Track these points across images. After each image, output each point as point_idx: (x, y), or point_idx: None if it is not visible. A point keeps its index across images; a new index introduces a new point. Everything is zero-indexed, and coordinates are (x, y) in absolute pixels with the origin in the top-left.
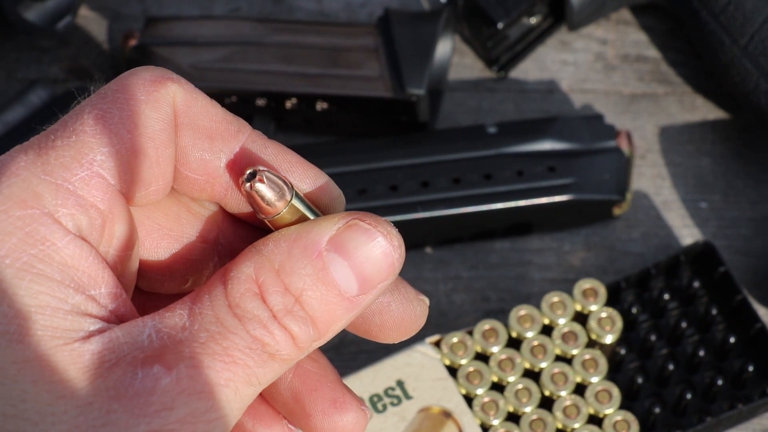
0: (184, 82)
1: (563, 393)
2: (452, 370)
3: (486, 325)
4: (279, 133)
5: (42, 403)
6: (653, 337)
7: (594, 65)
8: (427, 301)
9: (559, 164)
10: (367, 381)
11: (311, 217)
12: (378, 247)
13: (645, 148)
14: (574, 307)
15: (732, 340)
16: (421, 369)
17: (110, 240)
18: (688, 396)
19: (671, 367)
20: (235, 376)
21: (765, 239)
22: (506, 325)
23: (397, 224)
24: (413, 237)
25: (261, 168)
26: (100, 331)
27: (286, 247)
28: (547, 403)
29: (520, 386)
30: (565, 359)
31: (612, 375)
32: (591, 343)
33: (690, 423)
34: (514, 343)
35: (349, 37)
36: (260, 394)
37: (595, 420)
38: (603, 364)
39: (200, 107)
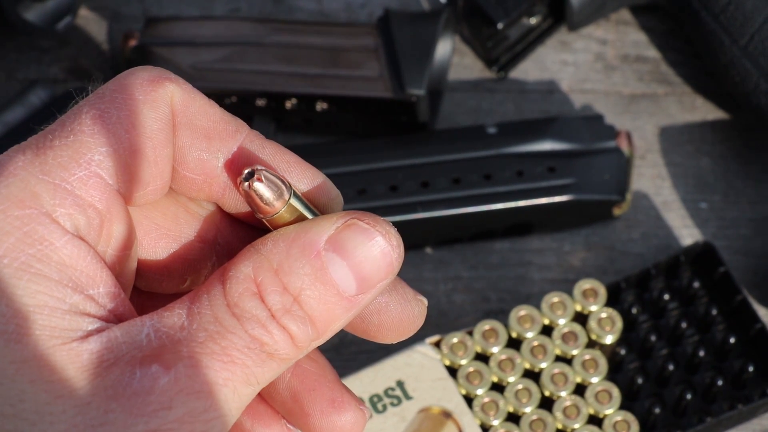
0: (182, 81)
1: (563, 393)
2: (452, 371)
3: (486, 325)
4: (279, 134)
5: (40, 402)
6: (653, 338)
7: (594, 65)
8: (425, 301)
9: (559, 164)
10: (367, 381)
11: (309, 216)
12: (377, 246)
13: (645, 149)
14: (574, 308)
15: (732, 340)
16: (421, 369)
17: (108, 240)
18: (688, 396)
19: (671, 367)
20: (234, 376)
21: (765, 239)
22: (506, 325)
23: (397, 224)
24: (413, 237)
25: (259, 167)
26: (98, 331)
27: (284, 247)
28: (547, 404)
29: (520, 386)
30: (565, 359)
31: (612, 375)
32: (591, 344)
33: (690, 423)
34: (514, 344)
35: (349, 37)
36: (259, 394)
37: (595, 420)
38: (603, 364)
39: (198, 107)
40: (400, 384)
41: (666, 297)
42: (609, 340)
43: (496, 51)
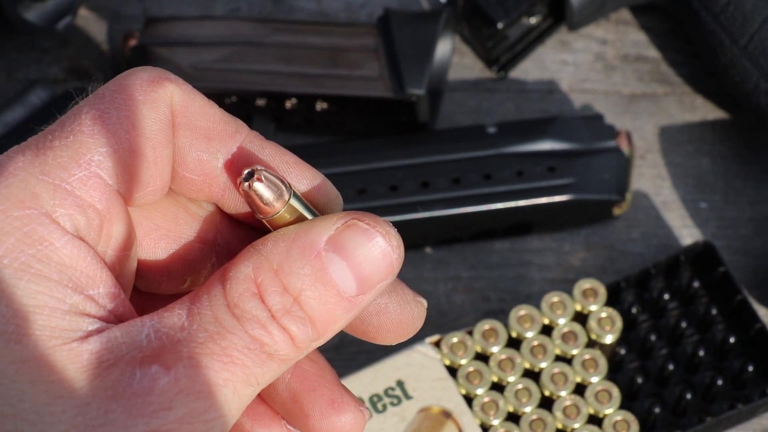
0: (181, 82)
1: (563, 393)
2: (452, 370)
3: (486, 325)
4: (279, 134)
5: (40, 403)
6: (653, 337)
7: (594, 65)
8: (425, 303)
9: (559, 164)
10: (367, 381)
11: (309, 217)
12: (377, 247)
13: (645, 148)
14: (574, 307)
15: (732, 340)
16: (421, 369)
17: (108, 240)
18: (688, 396)
19: (671, 367)
20: (234, 376)
21: (765, 239)
22: (506, 325)
23: (397, 224)
24: (413, 237)
25: (259, 167)
26: (98, 331)
27: (284, 247)
28: (547, 403)
29: (520, 386)
30: (565, 359)
31: (612, 375)
32: (591, 343)
33: (690, 423)
34: (514, 343)
35: (349, 37)
36: (259, 395)
37: (595, 420)
38: (603, 364)
39: (198, 107)
40: (400, 384)
41: (666, 297)
42: (609, 339)
43: (496, 51)
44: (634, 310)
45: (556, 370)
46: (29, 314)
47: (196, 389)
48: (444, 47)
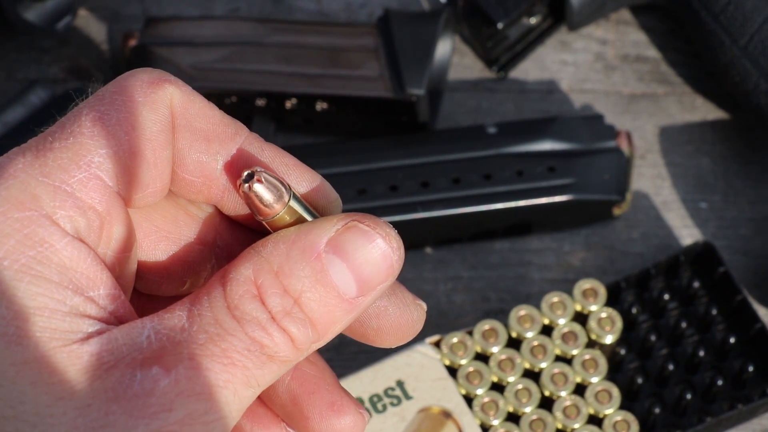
0: (181, 84)
1: (563, 393)
2: (452, 371)
3: (486, 325)
4: (279, 134)
5: (41, 404)
6: (653, 337)
7: (594, 65)
8: (424, 306)
9: (559, 164)
10: (367, 381)
11: (309, 218)
12: (377, 249)
13: (645, 148)
14: (574, 308)
15: (732, 340)
16: (421, 369)
17: (108, 242)
18: (688, 396)
19: (671, 367)
20: (234, 378)
21: (765, 239)
22: (506, 325)
23: (396, 224)
24: (413, 237)
25: (259, 169)
26: (98, 333)
27: (284, 249)
28: (547, 404)
29: (520, 386)
30: (565, 359)
31: (612, 375)
32: (591, 344)
33: (690, 423)
34: (514, 344)
35: (349, 37)
36: (258, 397)
37: (595, 420)
38: (603, 364)
39: (197, 109)
40: (400, 384)
41: (666, 297)
42: (609, 339)
43: (496, 51)
44: (634, 310)
45: (556, 371)
46: (30, 316)
47: (197, 391)
48: (444, 47)
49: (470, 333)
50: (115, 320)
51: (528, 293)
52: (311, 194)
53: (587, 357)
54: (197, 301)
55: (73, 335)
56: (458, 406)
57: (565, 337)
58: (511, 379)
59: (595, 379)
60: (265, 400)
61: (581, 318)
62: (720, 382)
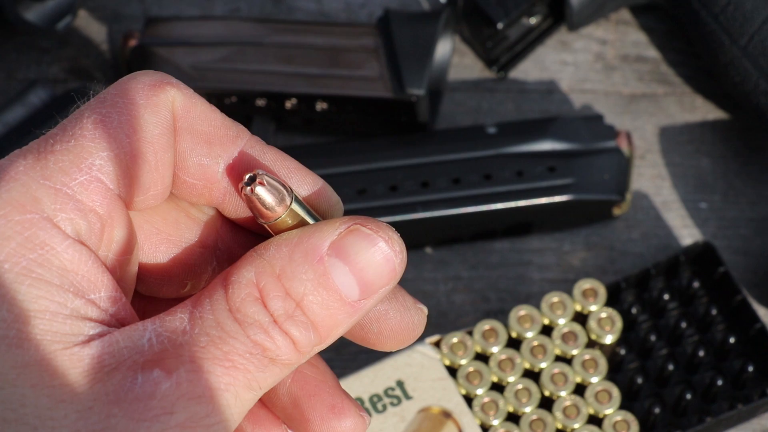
0: (183, 86)
1: (563, 393)
2: (452, 371)
3: (486, 325)
4: (279, 134)
5: (42, 407)
6: (653, 337)
7: (594, 65)
8: (425, 310)
9: (559, 164)
10: (367, 381)
11: (311, 221)
12: (379, 252)
13: (645, 148)
14: (573, 308)
15: (732, 340)
16: (421, 369)
17: (109, 244)
18: (688, 396)
19: (671, 367)
20: (236, 381)
21: (765, 239)
22: (506, 325)
23: (397, 224)
24: (413, 237)
25: (261, 172)
26: (99, 335)
27: (287, 252)
28: (547, 403)
29: (520, 386)
30: (565, 359)
31: (612, 375)
32: (591, 344)
33: (690, 423)
34: (514, 344)
35: (349, 37)
36: (260, 399)
37: (595, 420)
38: (603, 364)
39: (199, 112)
40: (400, 384)
41: (666, 297)
42: (609, 340)
43: (496, 51)
44: (634, 310)
45: (556, 371)
46: (30, 319)
47: (198, 393)
48: (444, 47)
49: (470, 333)
50: (116, 323)
51: (528, 293)
52: (313, 197)
53: (587, 357)
54: (199, 303)
55: (74, 338)
56: (458, 406)
57: (565, 337)
58: (511, 379)
59: (595, 379)
60: (266, 402)
61: (581, 318)
62: (720, 382)
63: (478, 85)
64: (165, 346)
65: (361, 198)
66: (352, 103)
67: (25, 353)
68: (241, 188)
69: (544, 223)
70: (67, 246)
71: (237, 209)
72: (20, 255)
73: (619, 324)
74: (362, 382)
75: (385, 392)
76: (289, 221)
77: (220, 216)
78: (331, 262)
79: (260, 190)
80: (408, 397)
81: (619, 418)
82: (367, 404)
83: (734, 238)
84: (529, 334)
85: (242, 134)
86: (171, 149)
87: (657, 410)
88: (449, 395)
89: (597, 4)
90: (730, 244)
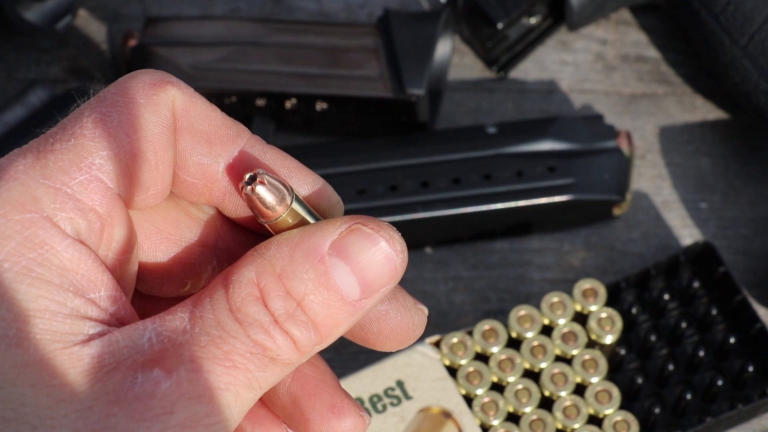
0: (183, 85)
1: (563, 393)
2: (452, 371)
3: (486, 325)
4: (279, 134)
5: (41, 407)
6: (653, 338)
7: (594, 65)
8: (425, 310)
9: (559, 164)
10: (367, 381)
11: (311, 221)
12: (380, 251)
13: (645, 148)
14: (573, 308)
15: (732, 340)
16: (421, 369)
17: (109, 243)
18: (688, 396)
19: (671, 367)
20: (236, 380)
21: (765, 239)
22: (506, 325)
23: (397, 224)
24: (413, 237)
25: (261, 171)
26: (99, 335)
27: (288, 251)
28: (547, 404)
29: (520, 386)
30: (565, 359)
31: (612, 375)
32: (591, 344)
33: (690, 423)
34: (514, 344)
35: (349, 37)
36: (259, 399)
37: (595, 420)
38: (603, 364)
39: (199, 111)
40: (399, 384)
41: (666, 297)
42: (609, 340)
43: (496, 51)
44: (634, 311)
45: (556, 371)
46: (30, 318)
47: (198, 393)
48: (444, 47)
49: (470, 333)
50: (116, 322)
51: (528, 293)
52: (313, 197)
53: (587, 357)
54: (199, 303)
55: (74, 337)
56: (458, 406)
57: (565, 337)
58: (511, 379)
59: (595, 379)
60: (266, 401)
61: (581, 318)
62: (720, 382)
63: (478, 85)
64: (165, 345)
65: (361, 198)
66: (352, 103)
67: (25, 352)
68: (242, 187)
69: (544, 223)
70: (67, 245)
71: (237, 208)
72: (20, 254)
73: (619, 324)
74: (362, 382)
75: (385, 392)
76: (290, 220)
77: (220, 215)
78: (332, 262)
79: (261, 190)
80: (408, 397)
81: (619, 418)
82: (367, 404)
83: (734, 238)
84: (529, 334)
85: (242, 133)
86: (171, 148)
87: (657, 410)
88: (449, 395)
89: (597, 4)
90: (730, 244)
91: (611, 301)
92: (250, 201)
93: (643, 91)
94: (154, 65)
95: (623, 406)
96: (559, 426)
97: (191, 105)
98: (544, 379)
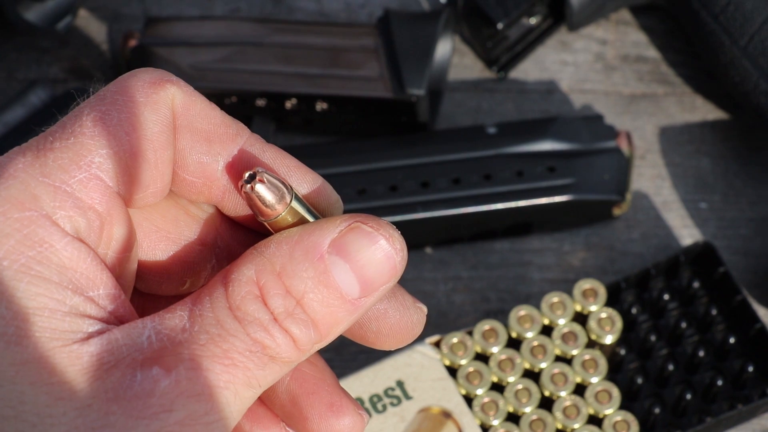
0: (183, 84)
1: (563, 393)
2: (452, 371)
3: (486, 325)
4: (279, 134)
5: (40, 404)
6: (653, 338)
7: (594, 65)
8: (424, 309)
9: (559, 164)
10: (367, 381)
11: (311, 219)
12: (380, 250)
13: (645, 149)
14: (573, 308)
15: (732, 340)
16: (421, 369)
17: (108, 242)
18: (688, 396)
19: (671, 367)
20: (235, 379)
21: (765, 239)
22: (506, 325)
23: (397, 224)
24: (413, 237)
25: (260, 170)
26: (99, 333)
27: (287, 250)
28: (547, 404)
29: (520, 386)
30: (565, 359)
31: (612, 375)
32: (591, 344)
33: (690, 423)
34: (514, 344)
35: (349, 37)
36: (258, 397)
37: (595, 420)
38: (603, 364)
39: (199, 110)
40: (399, 384)
41: (666, 297)
42: (609, 340)
43: (496, 51)
44: (634, 311)
45: (556, 371)
46: (29, 316)
47: (197, 391)
48: (444, 47)
49: (470, 333)
50: (115, 320)
51: (528, 293)
52: (312, 195)
53: (587, 357)
54: (199, 301)
55: (73, 335)
56: (458, 406)
57: (565, 338)
58: (511, 379)
59: (595, 379)
60: (264, 400)
61: (581, 318)
62: (720, 382)
63: (478, 85)
64: (164, 343)
65: (361, 198)
66: (352, 103)
67: (24, 350)
68: (241, 186)
69: (544, 223)
70: (66, 243)
71: (236, 207)
72: (19, 252)
73: (619, 324)
74: (362, 382)
75: (385, 392)
76: (289, 219)
77: (220, 214)
78: (332, 260)
79: (260, 188)
80: (408, 397)
81: (619, 418)
82: (367, 404)
83: (734, 238)
84: (529, 334)
85: (242, 132)
86: (170, 147)
87: (657, 410)
88: (449, 395)
89: (597, 4)
90: (730, 244)
91: (611, 301)
92: (250, 199)
93: (643, 91)
94: (154, 65)
95: (623, 406)
96: (559, 426)
97: (191, 103)
98: (544, 379)
